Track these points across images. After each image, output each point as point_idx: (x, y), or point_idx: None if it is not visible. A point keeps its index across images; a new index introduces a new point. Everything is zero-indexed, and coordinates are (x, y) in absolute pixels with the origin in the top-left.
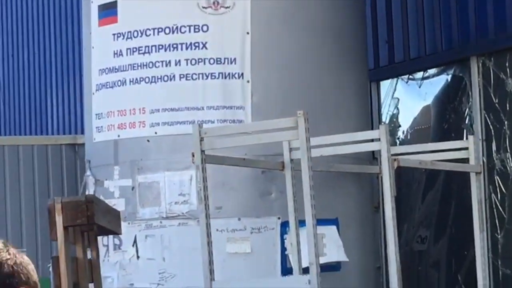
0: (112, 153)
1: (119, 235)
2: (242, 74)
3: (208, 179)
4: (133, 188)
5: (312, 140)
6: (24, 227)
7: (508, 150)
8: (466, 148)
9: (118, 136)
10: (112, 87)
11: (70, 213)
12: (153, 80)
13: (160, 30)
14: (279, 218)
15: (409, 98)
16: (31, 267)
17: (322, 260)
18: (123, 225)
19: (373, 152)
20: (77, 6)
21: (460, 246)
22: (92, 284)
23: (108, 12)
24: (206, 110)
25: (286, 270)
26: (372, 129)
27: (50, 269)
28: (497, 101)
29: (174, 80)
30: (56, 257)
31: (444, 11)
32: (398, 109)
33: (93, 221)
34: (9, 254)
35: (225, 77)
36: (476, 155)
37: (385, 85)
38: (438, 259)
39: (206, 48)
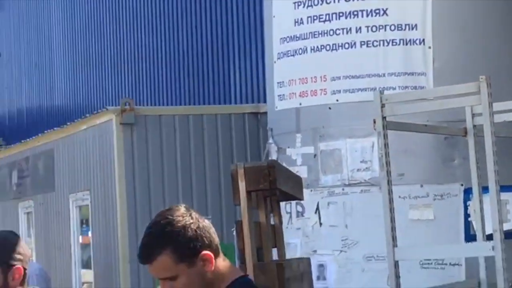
0: (294, 121)
1: (302, 202)
2: (424, 40)
3: (390, 146)
4: (315, 155)
5: (495, 106)
6: (209, 195)
7: None
8: None
9: (300, 104)
10: (293, 55)
11: (253, 178)
12: (334, 48)
13: None
14: (462, 184)
15: None
16: (212, 230)
17: (507, 227)
18: (306, 192)
19: None
20: None
21: None
22: (275, 249)
23: None
24: (387, 77)
25: (470, 237)
26: None
27: (234, 233)
28: None
29: (355, 47)
30: (240, 222)
31: None
32: None
33: (275, 186)
34: (192, 218)
35: (406, 44)
36: None
37: None
38: None
39: (386, 15)
